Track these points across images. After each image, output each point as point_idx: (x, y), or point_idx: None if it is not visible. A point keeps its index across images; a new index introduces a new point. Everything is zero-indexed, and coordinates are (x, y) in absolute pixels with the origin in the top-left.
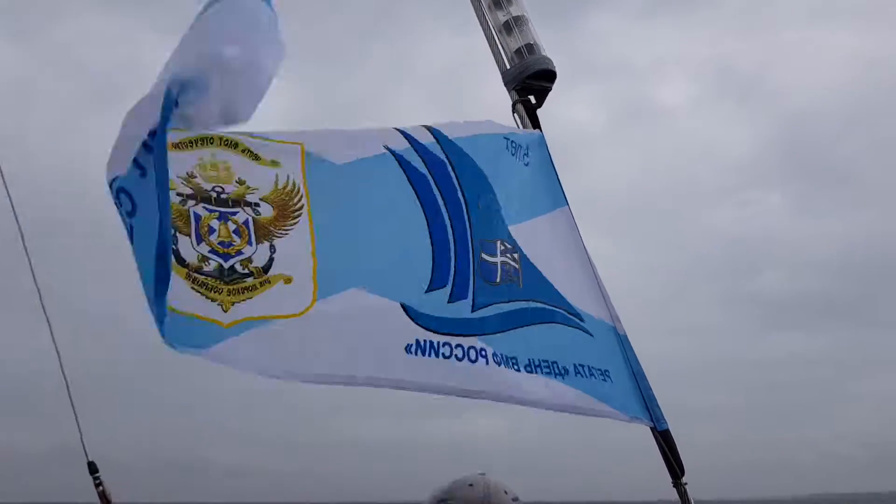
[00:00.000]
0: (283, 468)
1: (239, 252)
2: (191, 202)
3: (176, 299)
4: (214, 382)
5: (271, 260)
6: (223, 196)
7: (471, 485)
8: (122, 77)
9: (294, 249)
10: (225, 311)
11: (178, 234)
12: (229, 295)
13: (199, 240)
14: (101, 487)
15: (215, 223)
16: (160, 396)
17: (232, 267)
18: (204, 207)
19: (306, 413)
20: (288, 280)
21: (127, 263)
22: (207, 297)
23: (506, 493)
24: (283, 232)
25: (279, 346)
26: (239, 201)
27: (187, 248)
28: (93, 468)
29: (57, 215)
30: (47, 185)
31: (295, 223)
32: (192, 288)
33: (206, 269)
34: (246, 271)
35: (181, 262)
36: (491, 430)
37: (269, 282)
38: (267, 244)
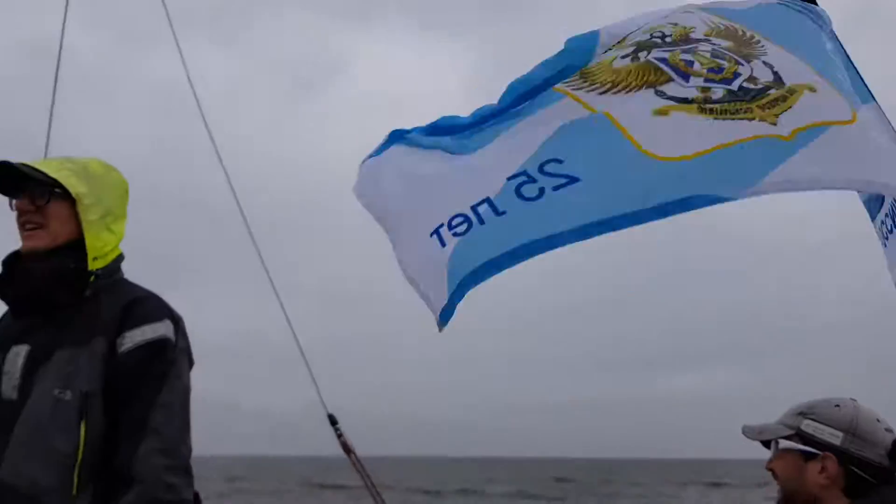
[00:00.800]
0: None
1: (736, 74)
2: (642, 53)
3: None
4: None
5: (776, 73)
6: (668, 38)
7: (837, 406)
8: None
9: (789, 65)
10: (773, 125)
11: (655, 87)
12: (764, 109)
13: (686, 77)
14: (341, 438)
15: (687, 56)
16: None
17: (741, 87)
18: (661, 51)
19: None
20: (812, 89)
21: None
22: (745, 118)
23: (878, 420)
24: (761, 52)
25: (847, 152)
26: (687, 38)
27: (678, 89)
28: (332, 420)
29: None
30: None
31: (761, 45)
32: (719, 118)
33: (714, 97)
34: (760, 86)
35: (684, 101)
36: None
37: (795, 91)
38: (759, 61)
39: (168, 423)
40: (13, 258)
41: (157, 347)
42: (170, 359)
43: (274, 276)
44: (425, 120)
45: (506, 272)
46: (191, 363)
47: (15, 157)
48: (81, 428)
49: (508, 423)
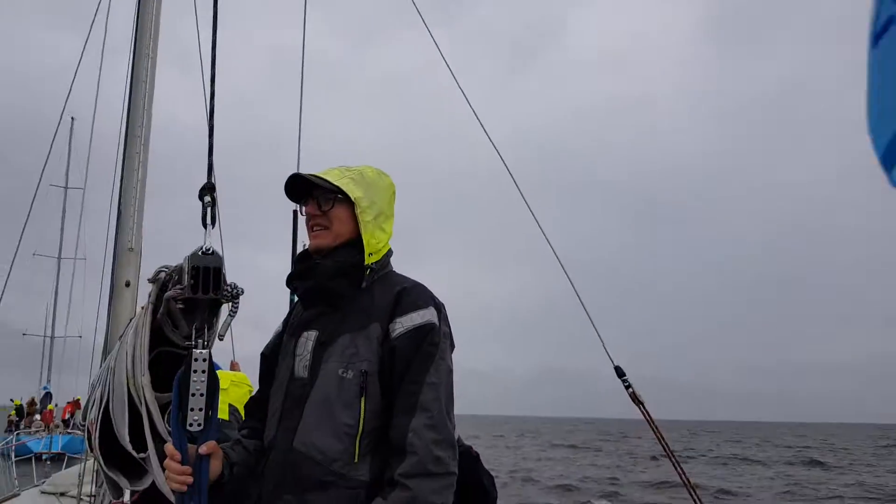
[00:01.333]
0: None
1: None
2: None
3: None
4: None
5: None
6: None
7: None
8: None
9: None
10: None
11: None
12: None
13: None
14: (630, 389)
15: None
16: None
17: None
18: None
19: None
20: None
21: None
22: None
23: None
24: None
25: None
26: None
27: None
28: (619, 371)
29: None
30: None
31: None
32: None
33: None
34: None
35: None
36: None
37: None
38: None
39: (435, 400)
40: (302, 256)
41: (425, 332)
42: (435, 342)
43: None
44: None
45: None
46: (452, 346)
47: (278, 156)
48: (361, 403)
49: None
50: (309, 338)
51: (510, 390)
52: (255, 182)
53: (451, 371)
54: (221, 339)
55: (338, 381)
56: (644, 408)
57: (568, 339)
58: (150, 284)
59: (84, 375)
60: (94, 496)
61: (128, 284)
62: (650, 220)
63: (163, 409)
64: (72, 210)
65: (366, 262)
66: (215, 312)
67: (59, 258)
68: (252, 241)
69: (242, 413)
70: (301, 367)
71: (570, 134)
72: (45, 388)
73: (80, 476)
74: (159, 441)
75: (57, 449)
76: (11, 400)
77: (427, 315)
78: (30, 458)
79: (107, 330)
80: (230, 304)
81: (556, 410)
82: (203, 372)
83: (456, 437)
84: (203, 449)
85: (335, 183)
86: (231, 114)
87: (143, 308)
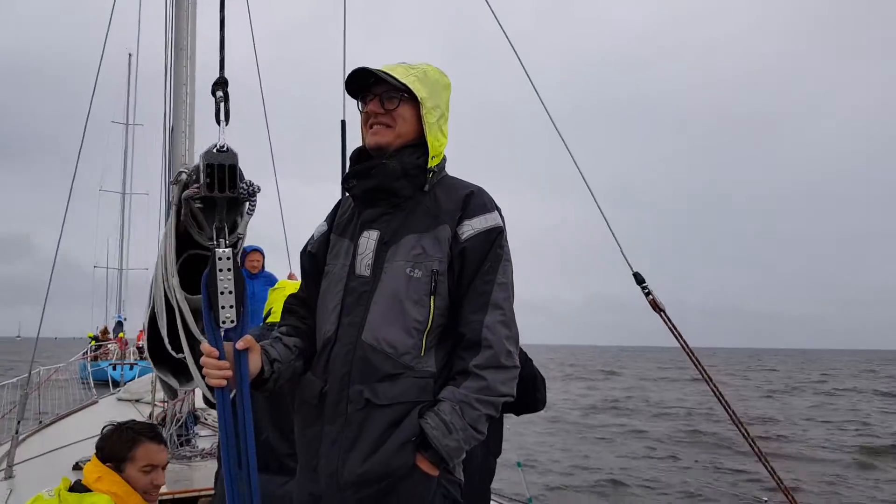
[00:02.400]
0: None
1: None
2: None
3: None
4: None
5: None
6: None
7: None
8: None
9: None
10: None
11: None
12: None
13: None
14: (650, 296)
15: None
16: None
17: None
18: None
19: None
20: None
21: None
22: None
23: None
24: None
25: None
26: None
27: None
28: (639, 278)
29: None
30: None
31: None
32: None
33: None
34: None
35: None
36: None
37: None
38: None
39: (506, 300)
40: (358, 155)
41: (494, 234)
42: (502, 244)
43: None
44: None
45: None
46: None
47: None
48: (431, 301)
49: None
50: (370, 237)
51: (559, 320)
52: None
53: (513, 273)
54: (242, 238)
55: (406, 280)
56: (665, 315)
57: (614, 268)
58: (174, 187)
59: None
60: (166, 401)
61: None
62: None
63: (196, 312)
64: (136, 146)
65: (428, 164)
66: (237, 211)
67: (124, 193)
68: (300, 175)
69: None
70: (363, 265)
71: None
72: (117, 317)
73: (152, 383)
74: (195, 341)
75: (131, 373)
76: (97, 333)
77: (495, 218)
78: (106, 382)
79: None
80: (248, 202)
81: (607, 339)
82: (228, 270)
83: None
84: (240, 344)
85: (402, 80)
86: (274, 44)
87: (170, 213)
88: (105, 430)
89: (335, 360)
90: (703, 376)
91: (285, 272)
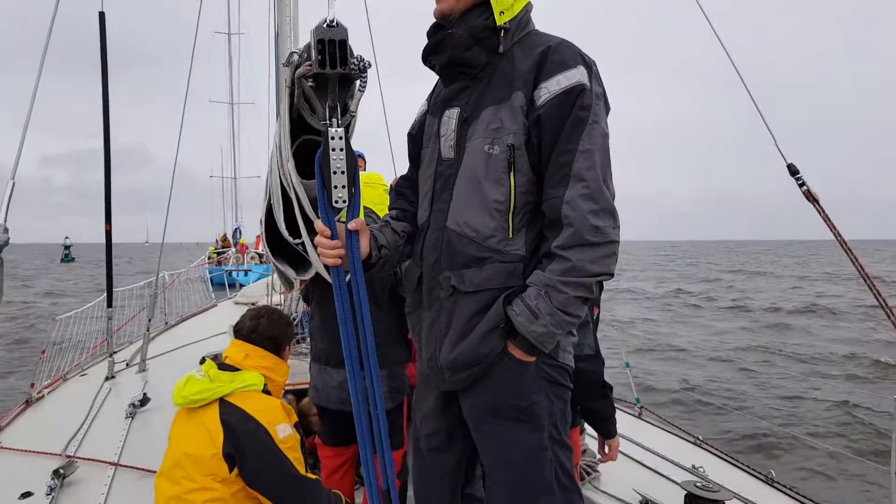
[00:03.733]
0: None
1: None
2: None
3: None
4: None
5: None
6: None
7: None
8: None
9: None
10: None
11: None
12: None
13: None
14: (804, 187)
15: None
16: None
17: None
18: None
19: None
20: None
21: None
22: None
23: None
24: None
25: None
26: None
27: None
28: (793, 169)
29: None
30: None
31: None
32: None
33: None
34: None
35: None
36: None
37: None
38: None
39: (590, 169)
40: (434, 28)
41: (575, 94)
42: (587, 105)
43: None
44: None
45: None
46: (608, 108)
47: None
48: (511, 178)
49: None
50: (451, 116)
51: (671, 215)
52: None
53: (606, 135)
54: (353, 116)
55: (484, 158)
56: (819, 205)
57: (731, 161)
58: (285, 69)
59: None
60: (281, 305)
61: None
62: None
63: (312, 199)
64: (241, 56)
65: (497, 23)
66: (347, 89)
67: (232, 103)
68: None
69: (380, 213)
70: (447, 147)
71: None
72: (236, 224)
73: (268, 286)
74: (312, 226)
75: (247, 278)
76: (216, 240)
77: (576, 75)
78: (224, 286)
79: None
80: (359, 78)
81: (722, 234)
82: (341, 150)
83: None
84: (351, 225)
85: None
86: None
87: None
88: (249, 316)
89: (427, 246)
90: (860, 274)
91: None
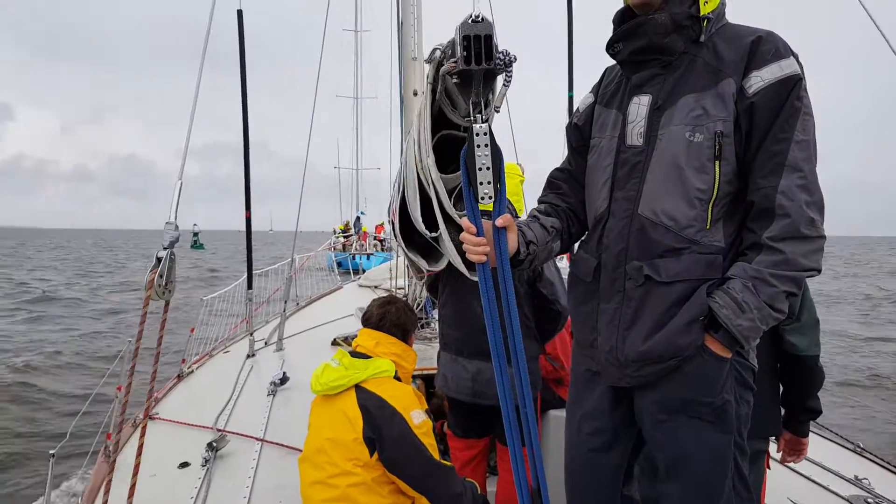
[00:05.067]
0: None
1: None
2: None
3: None
4: None
5: None
6: None
7: None
8: None
9: None
10: None
11: None
12: None
13: None
14: None
15: None
16: None
17: None
18: None
19: None
20: None
21: None
22: None
23: None
24: None
25: None
26: None
27: None
28: None
29: None
30: None
31: None
32: None
33: None
34: None
35: None
36: None
37: None
38: None
39: (806, 160)
40: (622, 16)
41: (790, 84)
42: (801, 95)
43: None
44: None
45: None
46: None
47: None
48: (716, 166)
49: None
50: (641, 103)
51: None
52: None
53: (814, 127)
54: (498, 111)
55: (685, 145)
56: None
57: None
58: (427, 65)
59: (386, 202)
60: (404, 289)
61: (415, 94)
62: None
63: (449, 193)
64: (364, 52)
65: (701, 13)
66: (491, 84)
67: (357, 98)
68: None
69: (516, 205)
70: (635, 134)
71: None
72: (358, 213)
73: (391, 270)
74: (449, 221)
75: (369, 262)
76: (334, 228)
77: (791, 66)
78: (348, 270)
79: (401, 137)
80: (504, 73)
81: (866, 229)
82: (486, 146)
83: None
84: (499, 221)
85: None
86: None
87: (422, 92)
88: (376, 304)
89: (609, 235)
90: None
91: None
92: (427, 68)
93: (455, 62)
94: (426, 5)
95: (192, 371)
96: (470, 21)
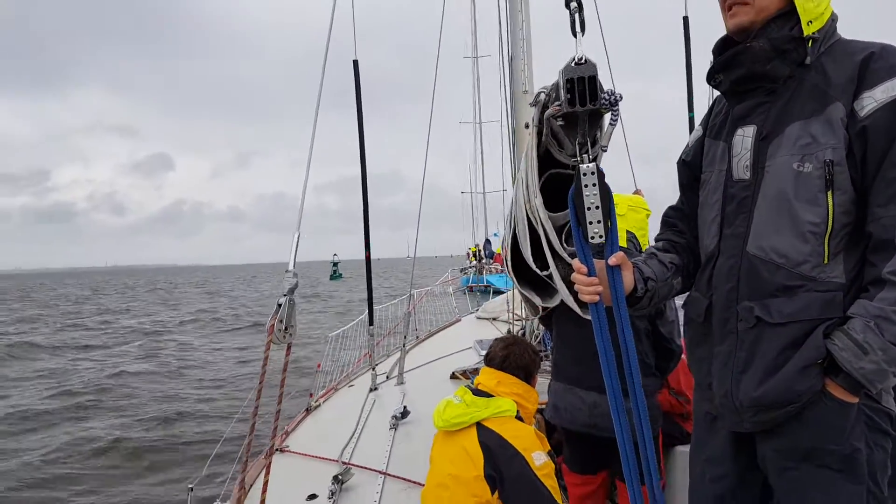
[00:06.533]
0: None
1: None
2: None
3: None
4: None
5: None
6: None
7: None
8: None
9: None
10: None
11: None
12: None
13: None
14: None
15: None
16: None
17: None
18: None
19: None
20: None
21: None
22: None
23: None
24: None
25: None
26: None
27: None
28: None
29: None
30: None
31: None
32: None
33: None
34: None
35: None
36: None
37: None
38: None
39: None
40: (722, 45)
41: None
42: None
43: None
44: None
45: None
46: None
47: None
48: (829, 197)
49: None
50: (745, 134)
51: None
52: None
53: None
54: (605, 150)
55: (793, 176)
56: None
57: None
58: (532, 108)
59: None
60: (521, 319)
61: (527, 126)
62: None
63: (559, 230)
64: (485, 78)
65: (805, 33)
66: (597, 124)
67: (478, 123)
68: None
69: (641, 239)
70: (741, 167)
71: None
72: (494, 234)
73: (508, 302)
74: (559, 259)
75: (505, 285)
76: (467, 252)
77: None
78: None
79: (512, 171)
80: (610, 112)
81: None
82: (594, 185)
83: None
84: (612, 260)
85: None
86: None
87: (530, 135)
88: (500, 345)
89: (719, 275)
90: None
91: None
92: (533, 111)
93: (559, 105)
94: (535, 39)
95: (319, 405)
96: (573, 64)
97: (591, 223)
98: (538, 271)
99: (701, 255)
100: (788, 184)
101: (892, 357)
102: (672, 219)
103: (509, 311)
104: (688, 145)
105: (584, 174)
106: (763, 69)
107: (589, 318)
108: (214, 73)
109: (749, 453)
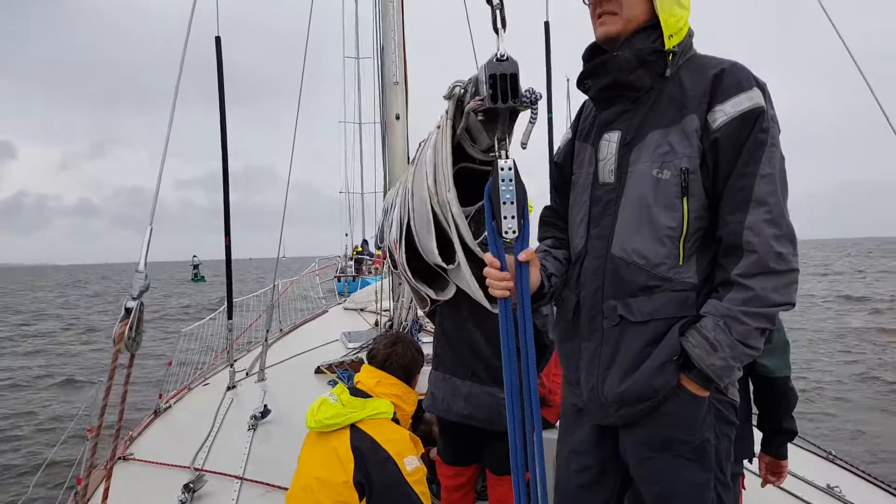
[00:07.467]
0: None
1: None
2: None
3: None
4: None
5: None
6: None
7: None
8: None
9: None
10: None
11: None
12: None
13: None
14: None
15: None
16: None
17: None
18: None
19: None
20: None
21: None
22: None
23: None
24: None
25: None
26: None
27: None
28: None
29: None
30: None
31: None
32: None
33: None
34: None
35: None
36: None
37: None
38: None
39: (772, 193)
40: (590, 52)
41: (753, 117)
42: (765, 128)
43: None
44: None
45: None
46: (779, 130)
47: None
48: (684, 203)
49: None
50: (611, 139)
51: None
52: None
53: (783, 159)
54: (524, 147)
55: (653, 183)
56: None
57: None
58: (446, 101)
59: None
60: (387, 311)
61: (398, 118)
62: None
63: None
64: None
65: (666, 47)
66: (513, 121)
67: (359, 123)
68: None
69: None
70: (606, 171)
71: None
72: (364, 239)
73: (376, 293)
74: (468, 253)
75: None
76: (342, 254)
77: (754, 97)
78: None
79: (384, 161)
80: (530, 110)
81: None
82: (510, 181)
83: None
84: (522, 256)
85: None
86: None
87: (437, 127)
88: (383, 343)
89: (586, 273)
90: None
91: None
92: (447, 104)
93: (482, 100)
94: (409, 31)
95: (170, 406)
96: (496, 60)
97: (505, 218)
98: (444, 264)
99: (571, 254)
100: (648, 189)
101: (739, 353)
102: (550, 218)
103: (377, 300)
104: (559, 148)
105: (502, 169)
106: (627, 78)
107: (497, 311)
108: (71, 53)
109: (611, 445)
